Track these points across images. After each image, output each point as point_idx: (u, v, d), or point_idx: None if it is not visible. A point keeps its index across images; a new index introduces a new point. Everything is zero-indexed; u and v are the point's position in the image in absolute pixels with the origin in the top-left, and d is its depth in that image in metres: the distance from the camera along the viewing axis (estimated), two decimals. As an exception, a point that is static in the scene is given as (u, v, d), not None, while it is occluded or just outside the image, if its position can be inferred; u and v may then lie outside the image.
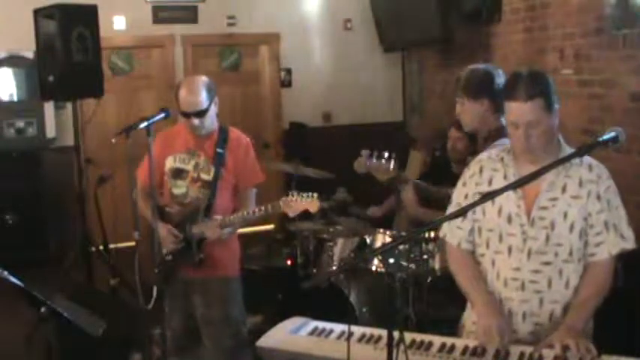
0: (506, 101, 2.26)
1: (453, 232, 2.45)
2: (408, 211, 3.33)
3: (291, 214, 3.07)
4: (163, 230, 3.31)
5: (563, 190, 2.26)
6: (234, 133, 3.41)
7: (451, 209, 2.45)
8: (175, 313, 3.44)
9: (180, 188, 3.36)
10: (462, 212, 2.06)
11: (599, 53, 4.57)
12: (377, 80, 7.83)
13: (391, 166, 3.05)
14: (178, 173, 3.36)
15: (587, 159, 2.29)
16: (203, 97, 3.23)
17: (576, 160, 2.26)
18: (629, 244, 2.29)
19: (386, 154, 3.05)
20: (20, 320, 3.84)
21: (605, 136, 2.03)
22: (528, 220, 2.27)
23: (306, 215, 4.78)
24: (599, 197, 2.26)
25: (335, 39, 7.71)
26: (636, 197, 4.25)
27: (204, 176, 3.31)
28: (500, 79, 2.99)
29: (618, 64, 4.41)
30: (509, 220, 2.30)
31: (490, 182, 2.36)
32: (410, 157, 6.61)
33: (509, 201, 2.30)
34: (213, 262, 3.33)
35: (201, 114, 3.24)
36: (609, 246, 2.27)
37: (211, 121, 3.32)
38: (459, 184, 2.48)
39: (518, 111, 2.22)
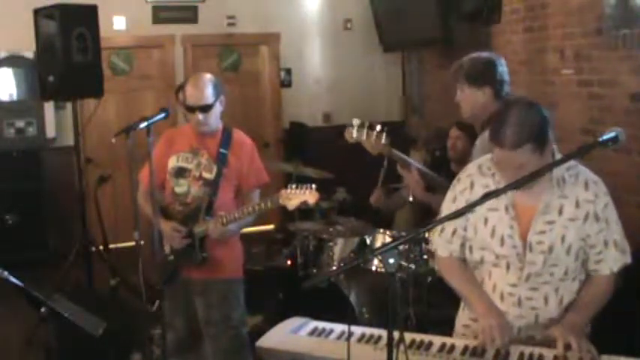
0: (491, 143, 2.15)
1: (444, 246, 2.42)
2: (413, 194, 3.26)
3: (290, 207, 3.04)
4: (167, 228, 3.30)
5: (560, 212, 2.22)
6: (238, 134, 3.41)
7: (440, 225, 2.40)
8: (177, 314, 3.42)
9: (182, 187, 3.35)
10: (457, 215, 2.02)
11: (599, 53, 4.57)
12: (377, 80, 7.83)
13: (383, 139, 3.01)
14: (181, 172, 3.35)
15: (582, 175, 2.24)
16: (209, 92, 3.25)
17: (571, 180, 2.22)
18: (629, 259, 2.29)
19: (378, 127, 3.02)
20: (20, 320, 3.85)
21: (605, 137, 2.01)
22: (525, 245, 2.23)
23: (306, 215, 4.79)
24: (597, 218, 2.22)
25: (335, 39, 7.70)
26: (636, 197, 4.26)
27: (206, 175, 3.31)
28: (503, 67, 2.99)
29: (618, 64, 4.41)
30: (502, 242, 2.26)
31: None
32: (410, 157, 6.61)
33: (501, 222, 2.26)
34: (215, 263, 3.32)
35: (205, 109, 3.24)
36: (610, 263, 2.26)
37: (215, 119, 3.32)
38: (449, 198, 2.41)
39: (504, 157, 2.13)
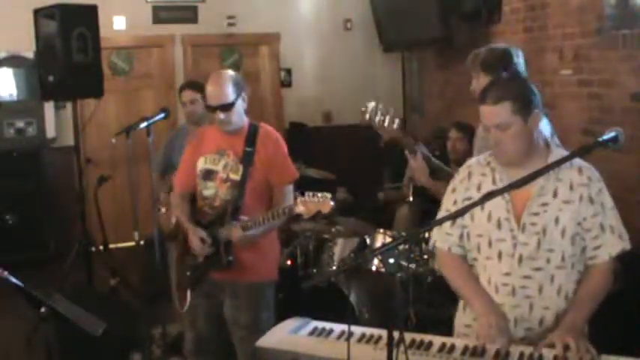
0: (479, 105, 2.28)
1: (442, 238, 2.44)
2: (417, 179, 3.25)
3: (306, 216, 2.97)
4: (190, 232, 3.25)
5: (555, 194, 2.24)
6: (265, 129, 3.30)
7: (441, 215, 2.43)
8: (199, 313, 3.35)
9: (209, 190, 3.26)
10: (459, 214, 2.04)
11: (599, 53, 4.57)
12: (377, 80, 7.83)
13: (395, 125, 3.00)
14: (208, 174, 3.26)
15: (576, 161, 2.27)
16: (229, 90, 3.15)
17: (566, 165, 2.24)
18: (628, 244, 2.28)
19: (392, 110, 3.00)
20: (20, 320, 3.86)
21: (605, 137, 2.02)
22: (518, 226, 2.25)
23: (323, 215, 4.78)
24: (591, 200, 2.24)
25: (335, 39, 7.70)
26: (636, 197, 4.26)
27: (233, 176, 3.21)
28: (519, 59, 3.00)
29: (618, 64, 4.41)
30: (499, 225, 2.28)
31: (479, 188, 2.35)
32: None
33: (498, 206, 2.28)
34: (243, 266, 3.22)
35: (226, 108, 3.15)
36: (609, 248, 2.25)
37: (239, 117, 3.22)
38: (449, 189, 2.47)
39: (486, 114, 2.24)
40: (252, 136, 3.25)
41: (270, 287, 3.36)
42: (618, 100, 4.43)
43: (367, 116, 2.97)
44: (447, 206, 2.43)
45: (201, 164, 3.29)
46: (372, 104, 2.98)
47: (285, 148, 3.33)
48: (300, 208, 2.96)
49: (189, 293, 3.37)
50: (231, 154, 3.23)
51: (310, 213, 2.96)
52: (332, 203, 2.93)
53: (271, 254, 3.39)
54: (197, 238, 3.22)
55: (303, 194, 2.96)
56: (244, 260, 3.23)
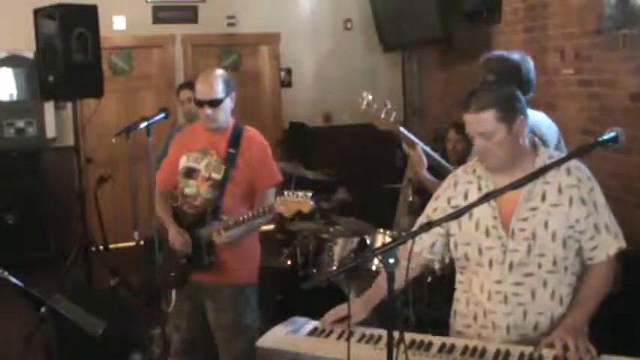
0: (462, 114, 2.24)
1: (418, 242, 2.40)
2: (415, 172, 3.25)
3: (287, 214, 2.96)
4: (172, 231, 3.26)
5: (543, 198, 2.21)
6: (250, 132, 3.33)
7: (420, 220, 2.42)
8: (184, 316, 3.37)
9: (191, 188, 3.27)
10: (457, 215, 2.01)
11: (599, 53, 4.57)
12: (377, 80, 7.83)
13: (392, 116, 2.98)
14: (190, 173, 3.28)
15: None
16: (219, 87, 3.19)
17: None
18: (623, 243, 2.26)
19: (388, 104, 2.99)
20: (20, 320, 3.86)
21: (605, 137, 2.00)
22: (507, 233, 2.23)
23: (305, 215, 4.78)
24: (583, 201, 2.20)
25: (335, 39, 7.71)
26: (636, 197, 4.25)
27: (215, 175, 3.22)
28: (531, 73, 3.00)
29: (618, 64, 4.41)
30: (487, 233, 2.26)
31: (466, 196, 2.33)
32: (410, 157, 6.60)
33: (485, 214, 2.26)
34: (225, 268, 3.23)
35: (214, 103, 3.17)
36: (605, 248, 2.23)
37: (225, 116, 3.25)
38: (433, 196, 2.46)
39: (470, 123, 2.21)
40: (235, 137, 3.27)
41: (252, 289, 3.35)
42: (618, 100, 4.42)
43: (363, 106, 2.96)
44: (427, 212, 2.42)
45: (184, 162, 3.31)
46: (367, 95, 2.97)
47: (270, 152, 3.35)
48: (280, 208, 2.93)
49: (174, 294, 3.37)
50: (215, 154, 3.25)
51: (290, 212, 2.93)
52: (312, 203, 2.88)
53: (253, 257, 3.39)
54: (178, 237, 3.23)
55: (283, 193, 2.93)
56: (226, 262, 3.23)
